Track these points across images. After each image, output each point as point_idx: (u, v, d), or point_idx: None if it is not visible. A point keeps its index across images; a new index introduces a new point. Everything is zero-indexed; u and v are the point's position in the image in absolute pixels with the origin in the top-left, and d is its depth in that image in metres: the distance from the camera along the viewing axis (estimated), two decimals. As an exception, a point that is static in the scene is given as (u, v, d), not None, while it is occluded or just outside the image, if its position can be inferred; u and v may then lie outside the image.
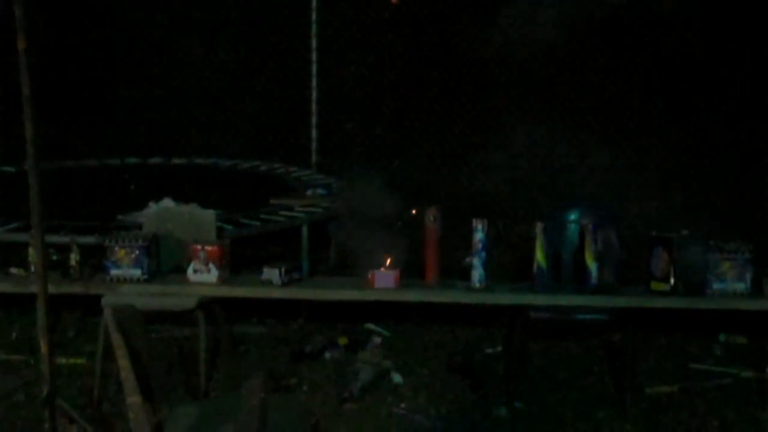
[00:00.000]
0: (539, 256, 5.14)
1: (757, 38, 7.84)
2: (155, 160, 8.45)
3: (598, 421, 5.12)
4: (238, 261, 5.68)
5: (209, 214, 5.86)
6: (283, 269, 5.33)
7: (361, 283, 5.32)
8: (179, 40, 9.61)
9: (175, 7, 9.56)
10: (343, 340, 5.99)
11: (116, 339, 3.51)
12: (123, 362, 3.48)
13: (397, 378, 5.60)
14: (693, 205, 7.22)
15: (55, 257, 5.57)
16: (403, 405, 5.30)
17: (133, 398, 3.46)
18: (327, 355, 5.87)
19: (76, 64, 9.08)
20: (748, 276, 5.07)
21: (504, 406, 5.24)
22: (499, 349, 5.94)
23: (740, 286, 5.06)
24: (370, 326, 6.28)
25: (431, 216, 5.25)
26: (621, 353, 5.51)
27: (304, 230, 6.89)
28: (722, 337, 6.14)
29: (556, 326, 5.51)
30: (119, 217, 6.38)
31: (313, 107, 8.54)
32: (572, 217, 5.42)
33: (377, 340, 5.98)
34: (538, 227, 5.12)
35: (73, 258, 5.52)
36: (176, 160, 8.45)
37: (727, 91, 8.14)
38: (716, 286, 5.06)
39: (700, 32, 8.00)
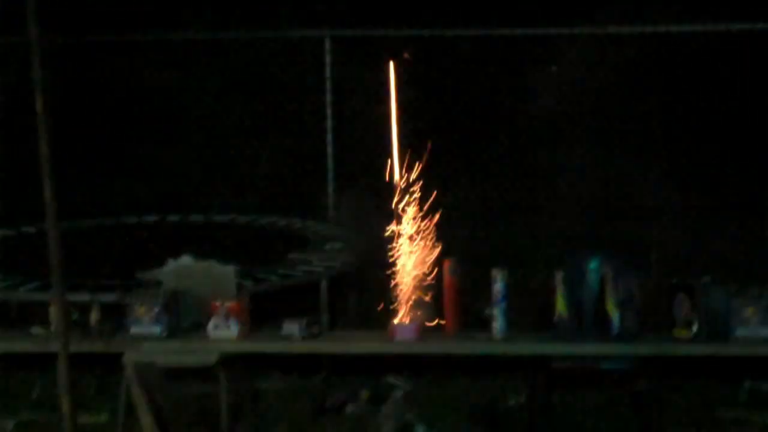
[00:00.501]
0: (560, 305, 5.13)
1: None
2: (173, 217, 8.47)
3: (625, 471, 5.07)
4: (258, 316, 5.68)
5: (228, 270, 5.86)
6: (303, 323, 5.33)
7: (381, 335, 5.32)
8: (194, 96, 9.69)
9: (190, 65, 9.64)
10: (365, 394, 5.96)
11: (137, 396, 3.52)
12: (145, 419, 3.48)
13: (421, 430, 5.57)
14: (715, 251, 7.18)
15: (75, 316, 5.59)
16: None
17: (157, 455, 3.46)
18: (349, 409, 5.85)
19: (92, 122, 9.14)
20: (773, 321, 5.05)
21: (528, 457, 5.20)
22: (523, 400, 5.90)
23: (765, 331, 5.03)
24: (392, 379, 6.25)
25: (450, 267, 5.25)
26: (646, 402, 5.46)
27: (323, 284, 6.88)
28: (747, 383, 6.08)
29: (580, 376, 5.46)
30: (138, 275, 6.39)
31: (329, 162, 8.56)
32: (592, 265, 5.39)
33: (399, 393, 5.96)
34: (558, 276, 5.11)
35: (94, 316, 5.54)
36: (194, 218, 8.47)
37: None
38: (740, 332, 5.03)
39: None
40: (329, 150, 8.56)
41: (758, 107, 8.01)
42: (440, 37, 8.61)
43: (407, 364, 6.11)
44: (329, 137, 8.57)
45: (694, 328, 5.02)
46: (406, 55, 8.72)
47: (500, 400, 5.96)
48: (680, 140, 8.11)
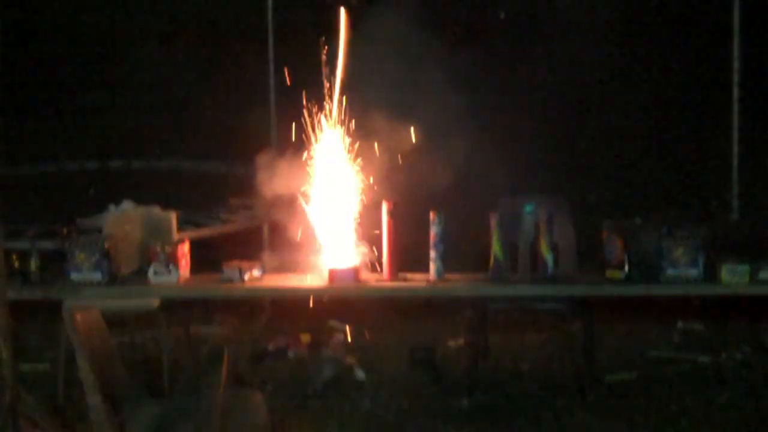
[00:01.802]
0: (496, 247, 5.20)
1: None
2: (115, 163, 8.46)
3: (558, 410, 5.20)
4: (199, 262, 5.71)
5: (168, 216, 5.88)
6: (242, 267, 5.36)
7: (321, 279, 5.36)
8: (140, 43, 9.62)
9: (134, 9, 9.57)
10: (306, 338, 6.03)
11: (76, 340, 3.55)
12: (83, 363, 3.53)
13: (360, 374, 5.65)
14: (648, 193, 7.32)
15: (15, 264, 5.59)
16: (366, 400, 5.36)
17: (94, 399, 3.51)
18: (290, 353, 5.92)
19: (33, 67, 9.06)
20: (701, 261, 5.15)
21: (465, 398, 5.30)
22: (461, 342, 6.01)
23: (693, 272, 5.13)
24: (334, 324, 6.32)
25: (388, 210, 5.29)
26: (580, 343, 5.59)
27: (265, 229, 6.93)
28: (680, 324, 6.23)
29: (516, 317, 5.58)
30: (78, 221, 6.39)
31: (272, 107, 8.56)
32: (528, 208, 5.47)
33: (340, 337, 6.03)
34: (494, 219, 5.19)
35: (33, 263, 5.53)
36: (137, 164, 8.46)
37: (684, 80, 8.25)
38: (670, 272, 5.13)
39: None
40: (272, 96, 8.57)
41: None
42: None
43: (347, 307, 6.18)
44: (272, 81, 8.57)
45: (626, 269, 5.12)
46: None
47: (439, 342, 6.05)
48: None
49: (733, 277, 5.18)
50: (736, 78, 7.82)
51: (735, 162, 7.80)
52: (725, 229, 7.56)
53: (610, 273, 5.22)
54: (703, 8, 8.16)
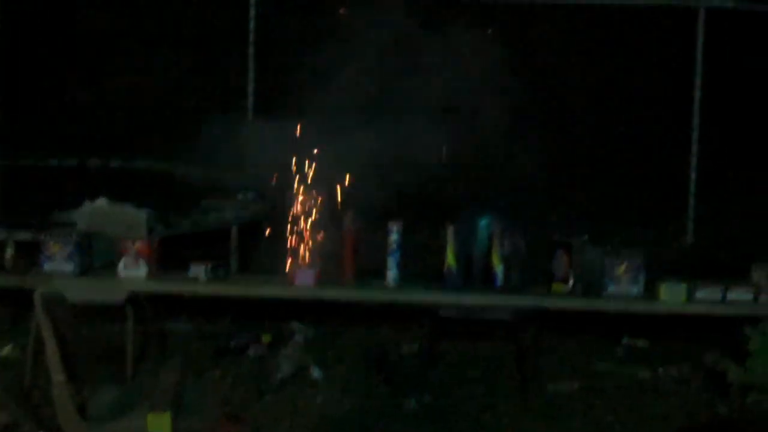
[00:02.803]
0: (450, 257, 5.49)
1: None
2: (93, 161, 8.67)
3: (501, 414, 5.45)
4: (169, 260, 5.95)
5: (141, 214, 6.13)
6: (209, 266, 5.63)
7: (283, 281, 5.63)
8: (123, 45, 9.80)
9: (117, 10, 9.75)
10: (266, 338, 6.25)
11: (43, 321, 3.78)
12: (49, 343, 3.75)
13: (316, 372, 5.89)
14: (596, 211, 7.56)
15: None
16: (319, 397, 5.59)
17: (59, 377, 3.74)
18: (251, 351, 6.14)
19: (16, 64, 9.25)
20: (642, 280, 5.45)
21: (414, 400, 5.55)
22: (414, 348, 6.25)
23: (634, 290, 5.43)
24: (294, 325, 6.55)
25: (349, 219, 5.57)
26: (527, 353, 5.84)
27: (234, 231, 7.17)
28: (625, 340, 6.49)
29: (466, 325, 5.83)
30: (55, 214, 6.63)
31: (249, 114, 8.80)
32: (483, 221, 5.75)
33: (299, 337, 6.27)
34: (449, 230, 5.46)
35: (9, 252, 5.77)
36: (114, 162, 8.67)
37: (645, 101, 8.48)
38: (612, 288, 5.43)
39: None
40: (250, 101, 8.80)
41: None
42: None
43: (308, 310, 6.42)
44: (250, 88, 8.80)
45: (570, 283, 5.41)
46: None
47: (393, 347, 6.29)
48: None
49: (671, 295, 5.50)
50: (697, 100, 8.08)
51: (692, 186, 8.09)
52: (679, 251, 7.87)
53: (555, 286, 5.53)
54: (665, 27, 8.38)
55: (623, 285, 5.44)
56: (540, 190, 7.30)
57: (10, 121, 8.89)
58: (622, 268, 5.43)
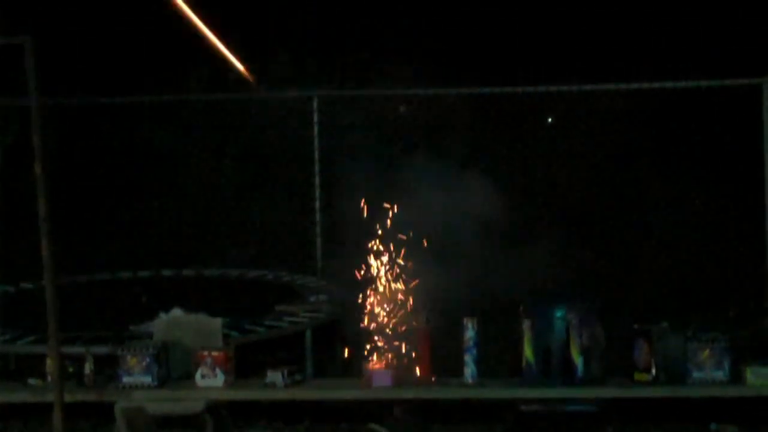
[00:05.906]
0: (527, 351, 5.42)
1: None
2: (166, 272, 8.76)
3: None
4: (245, 366, 5.94)
5: (215, 322, 6.16)
6: (285, 372, 5.61)
7: (360, 383, 5.59)
8: (189, 155, 9.98)
9: (183, 125, 9.95)
10: (348, 440, 6.22)
11: (126, 438, 3.79)
12: (132, 459, 3.76)
13: (398, 474, 5.82)
14: (674, 298, 7.45)
15: (71, 368, 5.88)
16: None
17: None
18: (332, 454, 6.10)
19: (89, 181, 9.44)
20: (727, 364, 5.33)
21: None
22: (497, 444, 6.15)
23: (719, 374, 5.31)
24: (374, 426, 6.49)
25: (424, 317, 5.54)
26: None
27: (308, 335, 7.17)
28: (713, 426, 6.33)
29: (547, 419, 5.73)
30: (131, 327, 6.68)
31: (317, 216, 8.84)
32: (558, 313, 5.68)
33: (379, 438, 6.21)
34: (526, 324, 5.41)
35: (88, 367, 5.82)
36: (186, 272, 8.76)
37: (718, 182, 8.42)
38: (696, 374, 5.31)
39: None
40: (317, 204, 8.84)
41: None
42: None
43: (386, 410, 6.35)
44: (317, 193, 8.85)
45: (653, 371, 5.30)
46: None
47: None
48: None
49: (758, 379, 5.36)
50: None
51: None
52: (760, 333, 7.70)
53: (638, 376, 5.42)
54: (731, 105, 8.33)
55: (707, 370, 5.32)
56: (614, 277, 7.25)
57: (84, 237, 9.04)
58: (706, 353, 5.31)
